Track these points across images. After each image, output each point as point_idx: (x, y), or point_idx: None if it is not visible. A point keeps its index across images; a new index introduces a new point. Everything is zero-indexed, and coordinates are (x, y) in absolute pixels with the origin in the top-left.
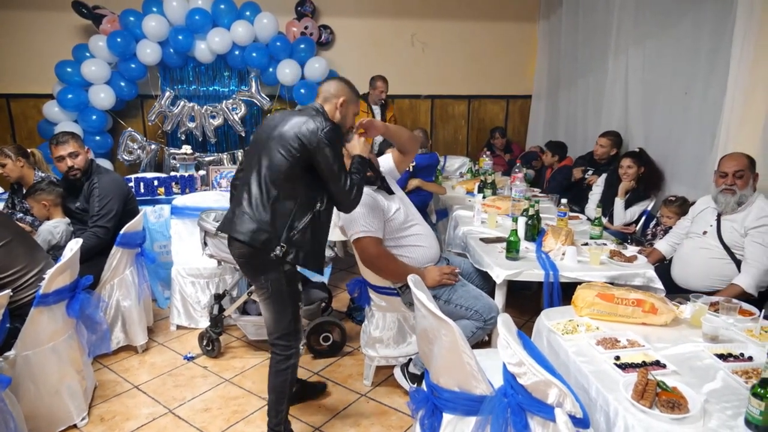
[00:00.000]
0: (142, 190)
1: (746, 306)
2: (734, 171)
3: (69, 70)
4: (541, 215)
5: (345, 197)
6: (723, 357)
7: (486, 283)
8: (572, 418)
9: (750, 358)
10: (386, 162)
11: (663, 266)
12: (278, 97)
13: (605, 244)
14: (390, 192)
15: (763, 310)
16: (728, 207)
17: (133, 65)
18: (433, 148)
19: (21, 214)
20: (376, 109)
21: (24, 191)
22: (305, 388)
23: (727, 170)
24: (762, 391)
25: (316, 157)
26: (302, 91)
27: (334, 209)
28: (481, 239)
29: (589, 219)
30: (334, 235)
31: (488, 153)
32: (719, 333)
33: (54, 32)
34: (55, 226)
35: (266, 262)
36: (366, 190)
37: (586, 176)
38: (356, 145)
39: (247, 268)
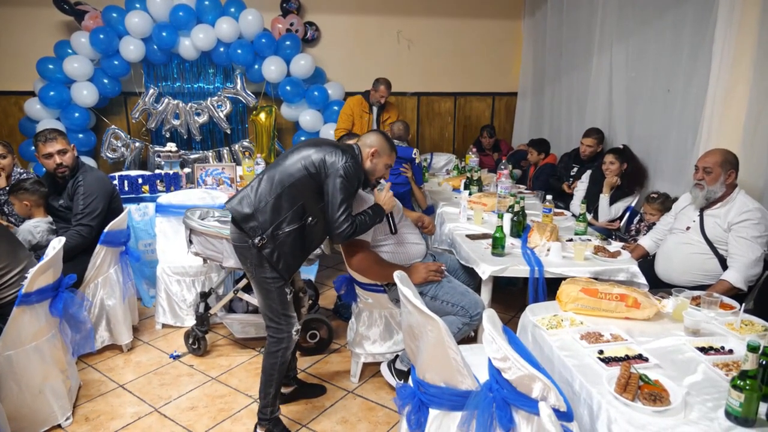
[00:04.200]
0: (127, 188)
1: (727, 300)
2: (703, 167)
3: (51, 66)
4: (526, 212)
5: (336, 228)
6: (704, 350)
7: (472, 279)
8: (556, 411)
9: (730, 351)
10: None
11: (646, 262)
12: (264, 94)
13: (589, 240)
14: None
15: (743, 304)
16: (696, 201)
17: (116, 62)
18: (420, 146)
19: None
20: (375, 110)
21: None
22: (304, 389)
23: (698, 165)
24: (741, 384)
25: (326, 182)
26: (288, 88)
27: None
28: (467, 236)
29: (573, 215)
30: None
31: (474, 150)
32: (700, 327)
33: (35, 28)
34: (36, 225)
35: (250, 249)
36: (358, 192)
37: (571, 175)
38: (381, 197)
39: (237, 251)
